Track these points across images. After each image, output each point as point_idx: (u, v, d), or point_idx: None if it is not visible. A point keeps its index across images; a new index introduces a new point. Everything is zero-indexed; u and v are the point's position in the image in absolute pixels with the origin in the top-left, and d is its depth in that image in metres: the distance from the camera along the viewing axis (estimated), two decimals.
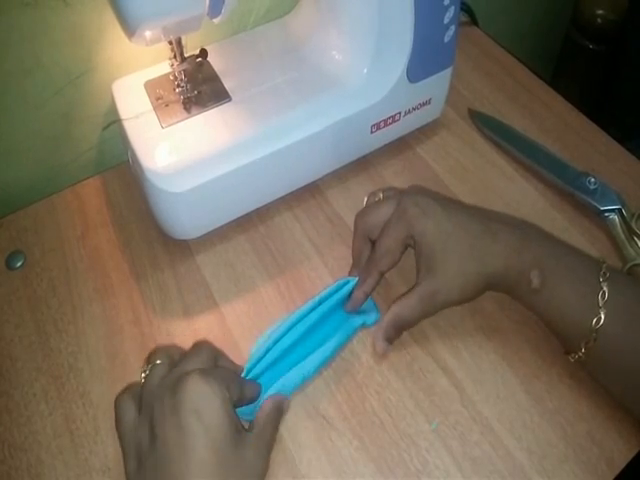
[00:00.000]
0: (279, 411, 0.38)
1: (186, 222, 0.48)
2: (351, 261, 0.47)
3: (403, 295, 0.40)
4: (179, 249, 0.50)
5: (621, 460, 0.39)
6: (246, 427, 0.37)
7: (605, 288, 0.36)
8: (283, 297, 0.47)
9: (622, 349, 0.36)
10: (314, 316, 0.41)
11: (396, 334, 0.41)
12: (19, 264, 0.49)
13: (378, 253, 0.41)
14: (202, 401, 0.31)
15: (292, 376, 0.40)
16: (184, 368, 0.34)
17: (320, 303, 0.42)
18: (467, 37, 0.66)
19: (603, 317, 0.36)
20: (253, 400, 0.38)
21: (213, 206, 0.47)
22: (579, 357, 0.38)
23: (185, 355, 0.37)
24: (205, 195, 0.45)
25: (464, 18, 0.68)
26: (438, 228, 0.39)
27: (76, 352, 0.44)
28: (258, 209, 0.51)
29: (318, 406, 0.41)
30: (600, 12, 0.98)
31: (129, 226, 0.51)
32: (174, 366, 0.35)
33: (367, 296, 0.43)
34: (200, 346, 0.38)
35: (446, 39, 0.50)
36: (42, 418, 0.41)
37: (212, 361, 0.37)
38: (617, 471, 0.38)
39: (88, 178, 0.55)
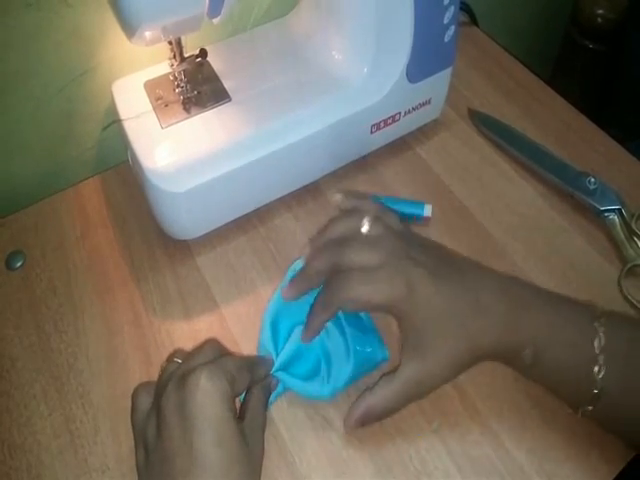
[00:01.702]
0: (267, 391, 0.39)
1: (186, 222, 0.48)
2: None
3: (383, 380, 0.37)
4: (179, 250, 0.50)
5: (621, 460, 0.39)
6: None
7: (602, 334, 0.34)
8: None
9: (627, 403, 0.35)
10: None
11: (369, 423, 0.38)
12: (19, 264, 0.49)
13: (345, 294, 0.37)
14: (202, 397, 0.32)
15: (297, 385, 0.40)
16: (189, 365, 0.35)
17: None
18: (467, 37, 0.66)
19: (600, 385, 0.34)
20: (267, 374, 0.39)
21: (213, 206, 0.47)
22: (582, 413, 0.36)
23: (191, 352, 0.38)
24: (205, 195, 0.45)
25: (464, 18, 0.68)
26: (427, 305, 0.36)
27: (76, 352, 0.44)
28: (258, 210, 0.51)
29: (318, 406, 0.41)
30: (600, 11, 0.98)
31: (129, 226, 0.51)
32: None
33: (324, 324, 0.39)
34: (205, 343, 0.39)
35: (446, 39, 0.50)
36: (42, 418, 0.41)
37: (216, 355, 0.37)
38: (617, 471, 0.38)
39: (88, 178, 0.55)
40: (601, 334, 0.35)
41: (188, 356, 0.37)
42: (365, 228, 0.39)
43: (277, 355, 0.40)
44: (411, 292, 0.36)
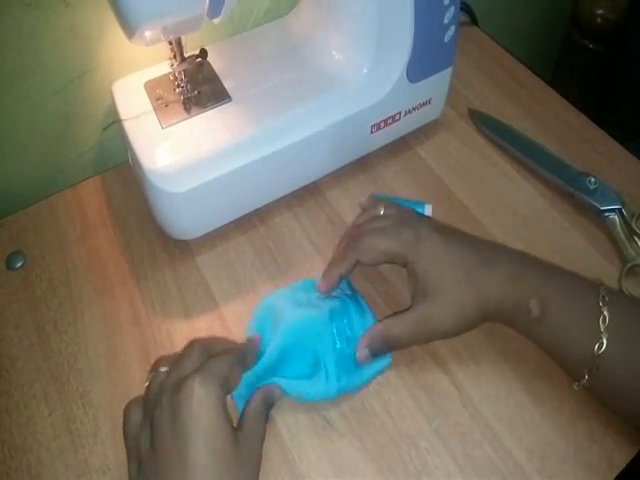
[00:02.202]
0: (267, 402, 0.38)
1: (186, 222, 0.48)
2: None
3: (397, 313, 0.40)
4: (179, 249, 0.50)
5: (621, 460, 0.39)
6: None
7: (605, 312, 0.36)
8: None
9: (625, 373, 0.36)
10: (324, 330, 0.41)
11: (381, 348, 0.40)
12: (19, 264, 0.49)
13: (362, 246, 0.41)
14: (197, 405, 0.32)
15: (294, 386, 0.40)
16: (180, 373, 0.34)
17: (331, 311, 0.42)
18: (467, 37, 0.66)
19: (605, 342, 0.35)
20: (256, 355, 0.39)
21: (213, 206, 0.47)
22: (583, 384, 0.37)
23: (178, 359, 0.37)
24: (205, 195, 0.45)
25: (464, 18, 0.68)
26: (433, 254, 0.39)
27: (76, 352, 0.44)
28: (258, 209, 0.51)
29: (318, 406, 0.41)
30: (600, 12, 0.98)
31: (129, 226, 0.51)
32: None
33: (340, 277, 0.42)
34: (190, 346, 0.38)
35: (446, 39, 0.50)
36: (42, 418, 0.41)
37: (205, 357, 0.37)
38: (617, 471, 0.38)
39: (88, 178, 0.55)
40: (605, 313, 0.36)
41: (176, 363, 0.36)
42: (380, 211, 0.45)
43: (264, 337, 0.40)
44: (419, 241, 0.40)
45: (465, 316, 0.39)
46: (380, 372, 0.42)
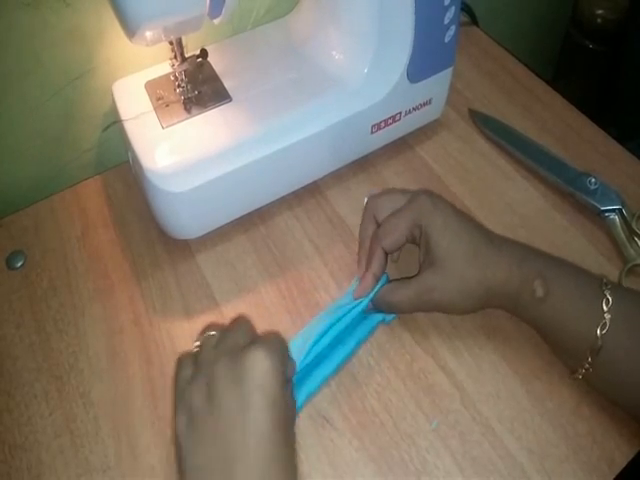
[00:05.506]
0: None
1: (186, 222, 0.48)
2: (351, 261, 0.47)
3: (403, 280, 0.42)
4: (179, 249, 0.50)
5: (621, 460, 0.39)
6: None
7: (608, 296, 0.36)
8: (283, 297, 0.47)
9: (628, 357, 0.36)
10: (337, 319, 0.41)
11: (384, 309, 0.43)
12: (19, 264, 0.49)
13: (382, 230, 0.42)
14: (267, 377, 0.32)
15: (316, 377, 0.40)
16: (234, 341, 0.35)
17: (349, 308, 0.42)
18: (467, 37, 0.67)
19: (608, 323, 0.36)
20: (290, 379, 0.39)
21: (213, 206, 0.47)
22: (585, 371, 0.38)
23: (230, 328, 0.37)
24: (205, 195, 0.45)
25: (464, 18, 0.68)
26: (446, 225, 0.40)
27: (76, 352, 0.44)
28: (258, 209, 0.51)
29: (318, 406, 0.41)
30: (600, 12, 0.98)
31: (129, 226, 0.51)
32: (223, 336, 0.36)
33: (377, 279, 0.42)
34: (241, 320, 0.38)
35: (446, 39, 0.50)
36: (42, 418, 0.41)
37: (253, 334, 0.37)
38: (617, 471, 0.38)
39: (88, 178, 0.55)
40: (608, 296, 0.37)
41: (227, 331, 0.36)
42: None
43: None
44: (435, 209, 0.40)
45: (468, 292, 0.39)
46: (387, 321, 0.44)
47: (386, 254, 0.43)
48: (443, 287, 0.40)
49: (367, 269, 0.43)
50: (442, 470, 0.38)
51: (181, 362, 0.36)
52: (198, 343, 0.37)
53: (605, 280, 0.38)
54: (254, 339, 0.35)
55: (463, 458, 0.39)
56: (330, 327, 0.40)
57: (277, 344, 0.35)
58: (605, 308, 0.36)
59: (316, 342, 0.39)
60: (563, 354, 0.40)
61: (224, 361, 0.33)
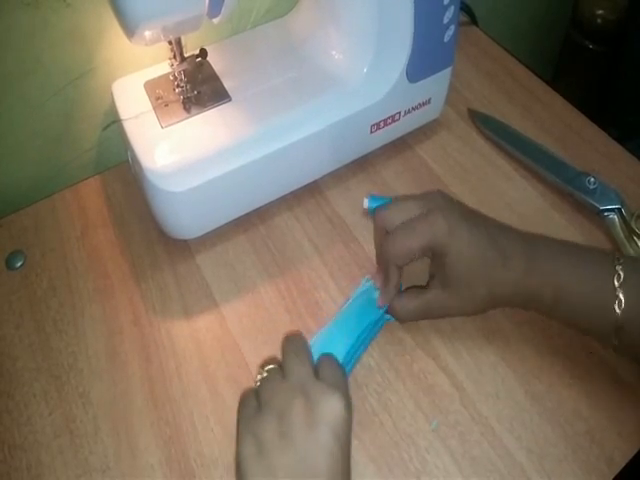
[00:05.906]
0: None
1: (186, 222, 0.48)
2: (350, 261, 0.48)
3: (413, 290, 0.43)
4: (179, 249, 0.50)
5: (621, 460, 0.39)
6: None
7: (620, 271, 0.36)
8: (283, 297, 0.47)
9: None
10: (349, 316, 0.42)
11: (389, 313, 0.44)
12: (19, 264, 0.49)
13: (394, 249, 0.40)
14: (341, 424, 0.33)
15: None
16: (298, 372, 0.36)
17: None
18: (467, 37, 0.67)
19: (623, 298, 0.36)
20: None
21: (213, 206, 0.47)
22: (615, 348, 0.38)
23: (287, 355, 0.37)
24: (205, 195, 0.45)
25: (464, 18, 0.68)
26: (462, 249, 0.39)
27: (76, 352, 0.44)
28: (258, 209, 0.51)
29: None
30: (600, 12, 0.98)
31: (129, 226, 0.51)
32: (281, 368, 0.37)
33: (397, 288, 0.43)
34: (295, 343, 0.38)
35: (446, 39, 0.50)
36: (42, 418, 0.41)
37: (310, 356, 0.38)
38: (617, 471, 0.38)
39: (88, 178, 0.55)
40: (620, 272, 0.36)
41: (286, 359, 0.37)
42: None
43: None
44: (451, 234, 0.39)
45: (477, 305, 0.41)
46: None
47: (401, 268, 0.42)
48: (453, 306, 0.41)
49: (386, 283, 0.42)
50: (442, 470, 0.38)
51: (245, 395, 0.37)
52: (260, 377, 0.37)
53: (617, 255, 0.38)
54: (315, 369, 0.36)
55: (463, 458, 0.39)
56: (352, 346, 0.41)
57: (343, 383, 0.36)
58: (617, 284, 0.36)
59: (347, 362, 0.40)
60: (589, 335, 0.41)
61: (299, 401, 0.33)
